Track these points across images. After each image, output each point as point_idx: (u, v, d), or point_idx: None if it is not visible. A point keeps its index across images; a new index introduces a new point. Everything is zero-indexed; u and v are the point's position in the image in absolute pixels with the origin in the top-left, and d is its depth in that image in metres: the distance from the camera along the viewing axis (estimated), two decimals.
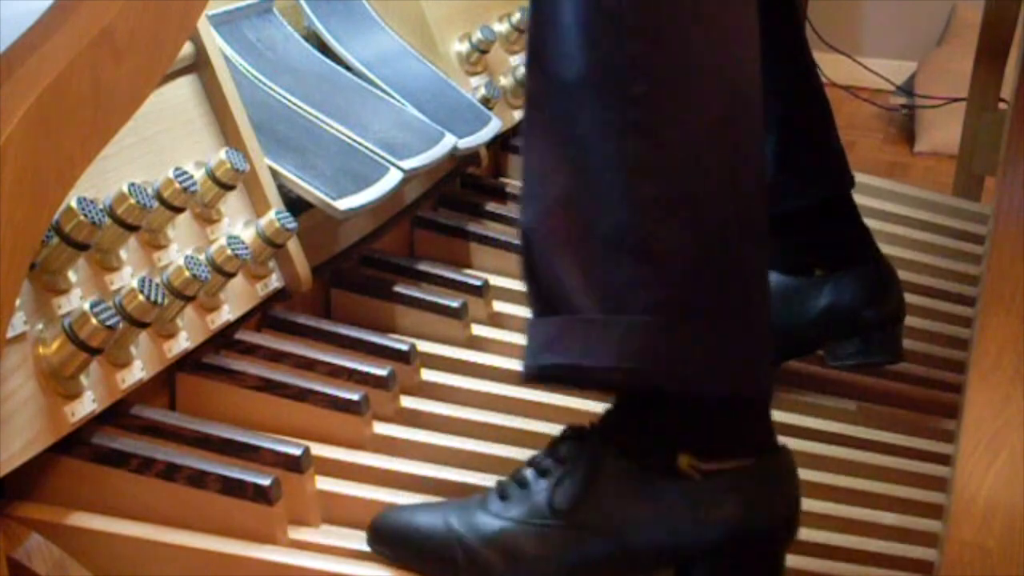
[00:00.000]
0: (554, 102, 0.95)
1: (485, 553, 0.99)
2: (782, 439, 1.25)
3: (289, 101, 1.44)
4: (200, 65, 1.29)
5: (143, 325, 1.08)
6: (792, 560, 1.10)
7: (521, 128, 1.01)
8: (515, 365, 1.37)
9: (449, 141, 1.54)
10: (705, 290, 0.93)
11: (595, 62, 0.92)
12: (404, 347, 1.33)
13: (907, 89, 3.26)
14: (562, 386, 1.02)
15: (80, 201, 1.02)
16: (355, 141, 1.44)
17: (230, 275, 1.21)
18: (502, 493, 1.01)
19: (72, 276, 1.06)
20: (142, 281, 1.07)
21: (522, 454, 1.23)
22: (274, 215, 1.28)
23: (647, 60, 0.91)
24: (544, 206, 0.96)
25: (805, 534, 1.14)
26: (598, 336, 0.93)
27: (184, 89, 1.27)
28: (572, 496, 0.97)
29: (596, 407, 1.29)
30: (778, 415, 1.33)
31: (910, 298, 1.66)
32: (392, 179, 1.42)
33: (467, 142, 1.58)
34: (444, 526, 1.00)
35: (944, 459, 1.30)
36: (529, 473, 1.01)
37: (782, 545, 1.00)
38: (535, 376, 0.98)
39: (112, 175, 1.12)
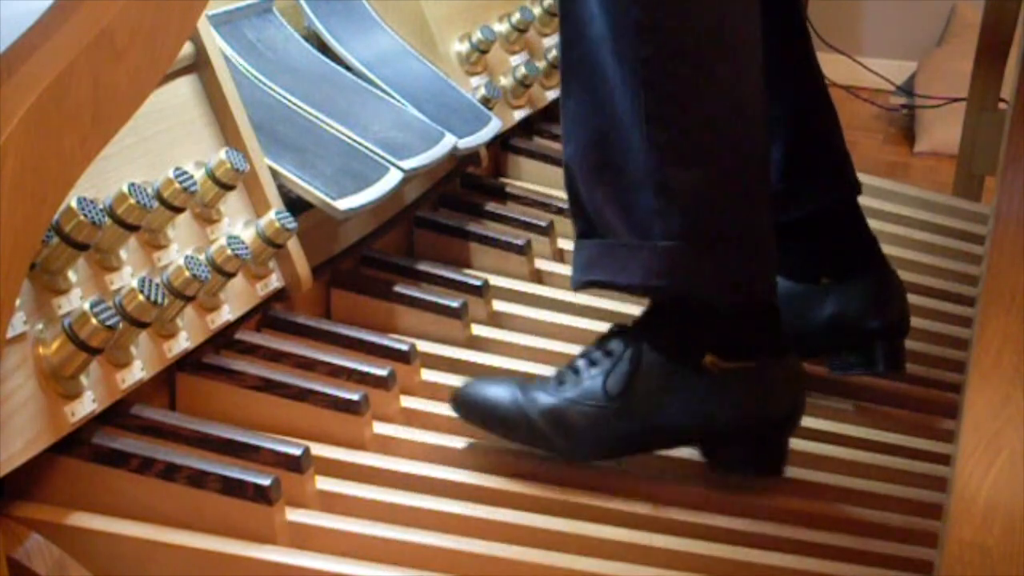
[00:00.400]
0: (585, 51, 1.12)
1: (542, 424, 1.18)
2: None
3: (289, 101, 1.44)
4: (200, 65, 1.29)
5: (143, 325, 1.08)
6: (792, 560, 1.11)
7: (559, 71, 1.17)
8: (515, 365, 1.38)
9: (449, 141, 1.54)
10: (714, 218, 1.11)
11: (610, 25, 1.09)
12: (404, 347, 1.33)
13: (907, 89, 3.26)
14: (604, 291, 1.22)
15: (80, 201, 1.02)
16: (355, 141, 1.44)
17: (230, 275, 1.21)
18: (559, 378, 1.20)
19: (72, 276, 1.06)
20: (142, 281, 1.07)
21: (522, 453, 1.23)
22: (274, 215, 1.28)
23: (649, 25, 1.07)
24: (582, 143, 1.14)
25: (805, 534, 1.14)
26: (630, 257, 1.12)
27: (184, 89, 1.27)
28: (620, 384, 1.16)
29: None
30: None
31: (910, 298, 1.66)
32: (392, 179, 1.42)
33: (467, 142, 1.58)
34: (512, 400, 1.19)
35: (944, 459, 1.30)
36: (581, 363, 1.19)
37: (787, 432, 1.19)
38: (581, 288, 1.18)
39: (112, 175, 1.12)
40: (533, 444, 1.19)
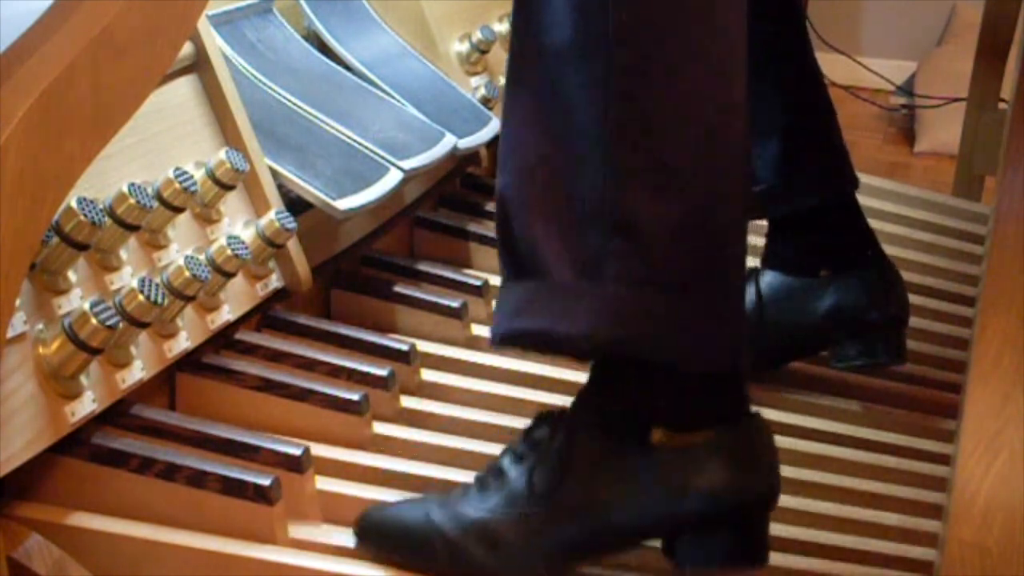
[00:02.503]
0: (538, 68, 0.94)
1: (464, 542, 0.99)
2: (784, 439, 1.26)
3: (289, 101, 1.44)
4: (200, 65, 1.29)
5: (143, 325, 1.08)
6: (792, 560, 1.10)
7: (502, 93, 1.00)
8: (515, 365, 1.38)
9: (449, 141, 1.54)
10: (682, 263, 0.93)
11: (582, 30, 0.92)
12: (404, 347, 1.33)
13: (907, 89, 3.26)
14: (531, 351, 1.00)
15: (80, 201, 1.02)
16: (355, 141, 1.44)
17: (230, 275, 1.21)
18: (481, 484, 1.02)
19: (72, 276, 1.06)
20: (142, 281, 1.07)
21: None
22: (274, 215, 1.28)
23: (634, 31, 0.90)
24: (521, 169, 0.96)
25: (805, 534, 1.14)
26: (572, 303, 0.93)
27: (184, 89, 1.27)
28: (548, 479, 0.97)
29: None
30: (779, 415, 1.34)
31: (911, 298, 1.66)
32: (392, 179, 1.42)
33: (467, 142, 1.58)
34: (424, 518, 1.01)
35: (944, 459, 1.30)
36: (505, 461, 1.01)
37: (763, 512, 0.99)
38: (506, 341, 0.97)
39: (112, 175, 1.12)
40: (458, 569, 1.00)
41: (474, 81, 1.74)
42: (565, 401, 1.29)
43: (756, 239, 1.49)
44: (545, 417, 1.02)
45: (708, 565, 0.97)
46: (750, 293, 1.37)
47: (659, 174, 0.91)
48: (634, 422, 0.96)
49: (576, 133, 0.93)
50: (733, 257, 0.97)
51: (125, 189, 1.08)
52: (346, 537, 1.08)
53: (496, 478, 1.01)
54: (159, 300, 1.07)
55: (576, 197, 0.93)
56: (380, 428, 1.24)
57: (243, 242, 1.22)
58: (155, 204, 1.13)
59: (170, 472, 1.06)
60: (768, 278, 1.38)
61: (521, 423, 1.27)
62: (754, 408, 0.99)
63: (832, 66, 3.37)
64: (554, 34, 0.93)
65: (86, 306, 1.02)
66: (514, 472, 1.00)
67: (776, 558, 1.10)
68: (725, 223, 0.95)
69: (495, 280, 1.53)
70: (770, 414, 1.34)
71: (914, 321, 1.59)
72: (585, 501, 0.96)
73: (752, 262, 1.43)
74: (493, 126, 1.65)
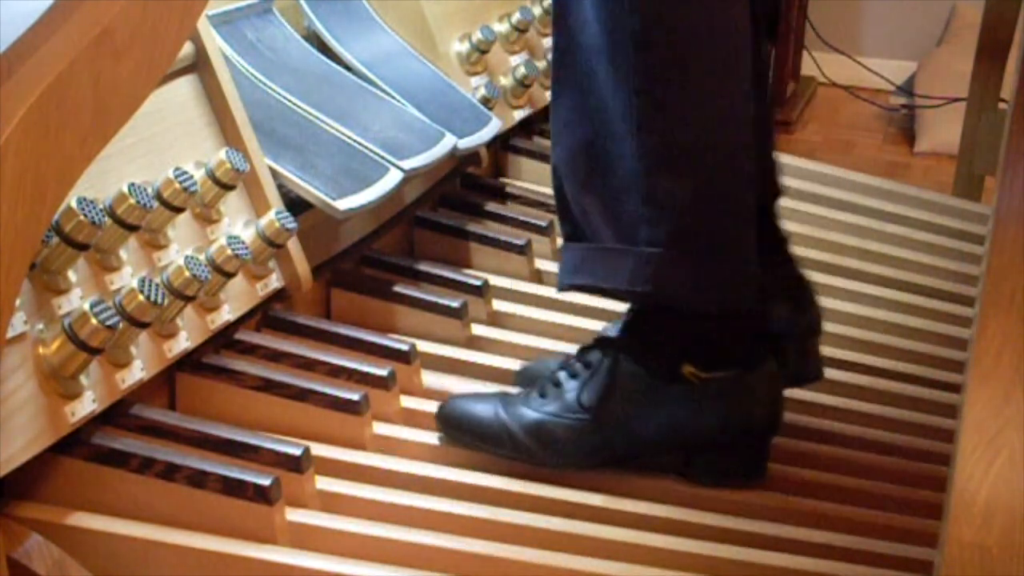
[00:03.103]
0: (578, 60, 1.13)
1: (525, 438, 1.19)
2: (784, 439, 1.26)
3: (289, 101, 1.44)
4: (200, 65, 1.29)
5: (143, 325, 1.08)
6: (792, 560, 1.11)
7: (551, 75, 1.18)
8: (515, 365, 1.38)
9: (449, 141, 1.54)
10: (700, 227, 1.12)
11: (605, 32, 1.09)
12: (404, 347, 1.33)
13: (907, 89, 3.26)
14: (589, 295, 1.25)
15: (80, 201, 1.02)
16: (355, 141, 1.44)
17: (230, 275, 1.21)
18: (541, 391, 1.21)
19: (72, 276, 1.06)
20: (142, 281, 1.07)
21: None
22: (274, 215, 1.28)
23: (646, 35, 1.07)
24: (570, 148, 1.15)
25: (805, 534, 1.14)
26: (615, 262, 1.14)
27: (184, 89, 1.27)
28: (597, 395, 1.18)
29: None
30: None
31: (911, 298, 1.66)
32: (392, 179, 1.42)
33: (467, 142, 1.58)
34: (494, 415, 1.21)
35: (944, 459, 1.30)
36: (562, 375, 1.21)
37: (765, 439, 1.21)
38: (569, 291, 1.20)
39: (112, 175, 1.12)
40: (517, 458, 1.20)
41: (474, 81, 1.75)
42: None
43: None
44: (597, 343, 1.21)
45: (716, 479, 1.19)
46: None
47: (675, 155, 1.10)
48: (667, 357, 1.16)
49: (611, 119, 1.11)
50: (744, 223, 1.14)
51: (125, 189, 1.08)
52: (347, 537, 1.08)
53: (554, 387, 1.20)
54: (159, 300, 1.07)
55: (614, 174, 1.12)
56: (380, 428, 1.24)
57: (243, 242, 1.22)
58: (155, 204, 1.13)
59: (170, 472, 1.06)
60: None
61: None
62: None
63: (832, 66, 3.38)
64: (587, 33, 1.11)
65: (86, 306, 1.02)
66: (569, 385, 1.20)
67: (776, 558, 1.10)
68: (736, 194, 1.13)
69: (495, 280, 1.54)
70: None
71: (914, 321, 1.59)
72: (623, 415, 1.17)
73: None
74: (493, 126, 1.65)
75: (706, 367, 1.16)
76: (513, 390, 1.28)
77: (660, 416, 1.17)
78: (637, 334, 1.19)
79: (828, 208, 1.90)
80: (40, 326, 1.02)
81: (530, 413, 1.20)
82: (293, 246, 1.33)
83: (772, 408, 1.20)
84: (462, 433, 1.22)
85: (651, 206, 1.11)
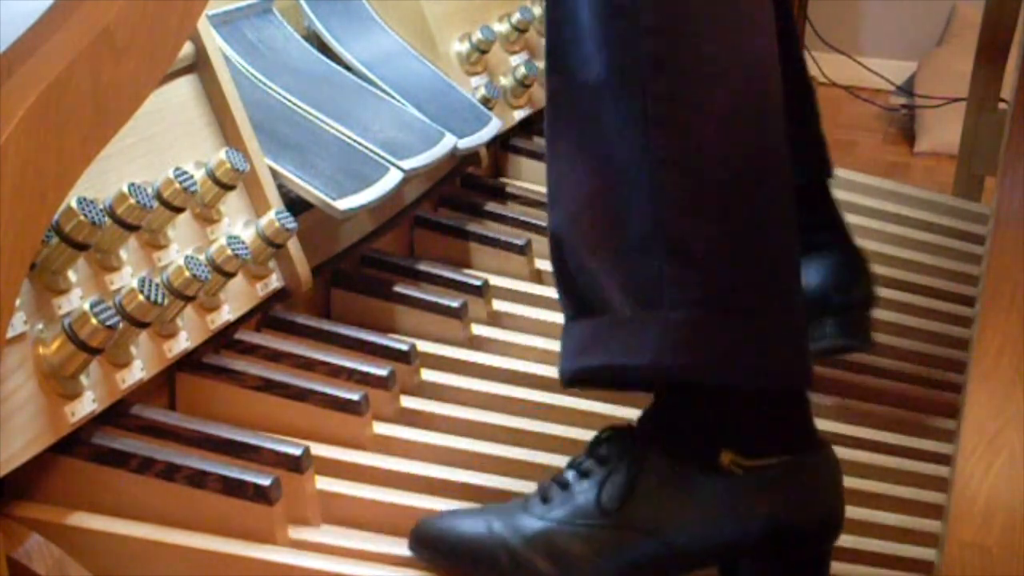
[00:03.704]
0: (577, 103, 0.96)
1: (530, 555, 0.99)
2: None
3: (289, 101, 1.44)
4: (200, 65, 1.29)
5: (143, 325, 1.08)
6: None
7: (544, 131, 1.01)
8: (515, 365, 1.38)
9: (449, 141, 1.54)
10: (740, 283, 0.93)
11: (615, 61, 0.93)
12: (404, 347, 1.33)
13: (907, 89, 3.26)
14: (601, 388, 1.03)
15: (80, 201, 1.02)
16: (355, 141, 1.44)
17: (230, 275, 1.21)
18: (544, 495, 1.02)
19: (72, 276, 1.06)
20: (142, 281, 1.07)
21: (522, 454, 1.23)
22: (274, 215, 1.28)
23: (665, 56, 0.92)
24: (572, 207, 0.97)
25: None
26: (635, 334, 0.94)
27: (184, 89, 1.27)
28: (618, 495, 0.97)
29: (599, 407, 1.29)
30: None
31: (911, 298, 1.66)
32: (392, 179, 1.42)
33: (467, 142, 1.58)
34: (487, 530, 1.01)
35: (944, 459, 1.30)
36: (570, 475, 1.01)
37: (826, 542, 0.99)
38: (575, 380, 0.99)
39: (112, 175, 1.12)
40: None
41: (474, 81, 1.74)
42: (566, 401, 1.30)
43: None
44: (611, 434, 1.01)
45: None
46: None
47: (704, 195, 0.92)
48: (703, 444, 0.96)
49: (621, 165, 0.93)
50: (789, 273, 0.96)
51: (125, 189, 1.08)
52: (347, 537, 1.08)
53: (561, 490, 1.01)
54: (159, 300, 1.07)
55: (628, 228, 0.94)
56: (380, 428, 1.24)
57: (243, 242, 1.22)
58: (155, 204, 1.13)
59: (170, 472, 1.06)
60: None
61: (521, 422, 1.27)
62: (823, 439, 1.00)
63: (832, 66, 3.38)
64: (588, 71, 0.94)
65: (86, 306, 1.02)
66: (580, 486, 1.00)
67: None
68: (777, 239, 0.95)
69: (495, 280, 1.53)
70: None
71: (914, 321, 1.59)
72: (652, 519, 0.97)
73: None
74: (493, 126, 1.65)
75: (750, 454, 0.96)
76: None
77: (695, 516, 0.96)
78: (662, 421, 1.00)
79: None
80: (40, 326, 1.02)
81: (533, 522, 1.00)
82: (293, 246, 1.33)
83: (832, 503, 0.98)
84: (445, 555, 1.03)
85: (677, 261, 0.92)
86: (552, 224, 0.99)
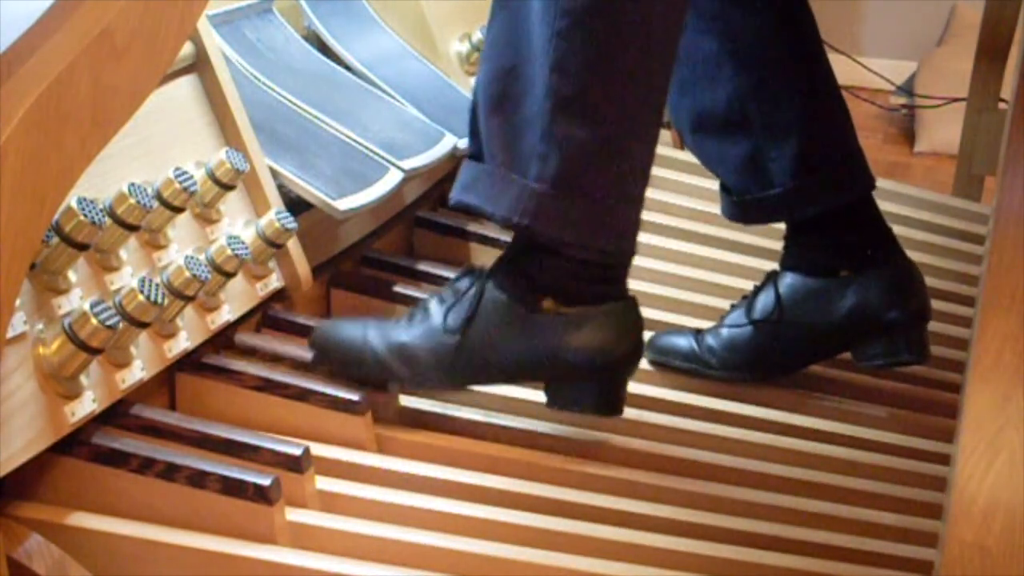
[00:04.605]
0: None
1: (390, 360, 1.23)
2: (784, 439, 1.25)
3: (289, 101, 1.44)
4: (200, 65, 1.29)
5: (143, 325, 1.08)
6: (792, 560, 1.11)
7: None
8: None
9: (449, 141, 1.54)
10: (589, 175, 1.15)
11: None
12: None
13: (907, 89, 3.26)
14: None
15: (80, 201, 1.02)
16: (355, 141, 1.44)
17: (230, 275, 1.21)
18: (410, 315, 1.24)
19: (72, 276, 1.06)
20: (142, 281, 1.07)
21: (522, 454, 1.23)
22: (274, 215, 1.28)
23: None
24: (491, 73, 1.18)
25: (805, 534, 1.14)
26: (501, 189, 1.17)
27: (184, 89, 1.27)
28: (462, 319, 1.21)
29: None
30: (778, 414, 1.34)
31: None
32: (392, 179, 1.42)
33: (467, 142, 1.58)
34: (362, 337, 1.24)
35: (944, 459, 1.30)
36: (432, 301, 1.24)
37: (624, 373, 1.22)
38: (455, 207, 1.22)
39: (112, 175, 1.12)
40: (380, 377, 1.24)
41: (474, 81, 1.74)
42: None
43: (774, 243, 1.49)
44: (469, 271, 1.24)
45: (572, 407, 1.22)
46: (769, 296, 1.38)
47: (582, 105, 1.13)
48: (531, 289, 1.19)
49: (531, 53, 1.14)
50: (635, 177, 1.18)
51: (125, 189, 1.08)
52: (347, 537, 1.08)
53: (423, 312, 1.23)
54: (159, 300, 1.07)
55: (524, 106, 1.15)
56: (380, 428, 1.24)
57: (243, 242, 1.22)
58: (155, 204, 1.13)
59: (170, 472, 1.06)
60: (788, 280, 1.38)
61: (521, 422, 1.27)
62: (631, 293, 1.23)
63: (832, 66, 3.37)
64: None
65: (86, 306, 1.02)
66: (436, 309, 1.22)
67: (776, 558, 1.10)
68: (633, 151, 1.17)
69: None
70: (769, 413, 1.35)
71: None
72: (485, 341, 1.20)
73: (771, 265, 1.43)
74: None
75: (566, 302, 1.18)
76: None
77: (519, 344, 1.19)
78: (507, 264, 1.22)
79: None
80: (40, 326, 1.02)
81: (397, 335, 1.23)
82: (293, 246, 1.33)
83: (630, 342, 1.21)
84: (329, 355, 1.25)
85: (546, 143, 1.13)
86: (476, 79, 1.22)
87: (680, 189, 1.88)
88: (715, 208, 1.49)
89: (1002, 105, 2.25)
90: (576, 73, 1.12)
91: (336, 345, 1.24)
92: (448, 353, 1.20)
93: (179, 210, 1.16)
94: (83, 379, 1.04)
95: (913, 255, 1.78)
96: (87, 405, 1.05)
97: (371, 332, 1.24)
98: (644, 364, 1.32)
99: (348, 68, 1.59)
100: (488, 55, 1.19)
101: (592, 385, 1.21)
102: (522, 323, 1.19)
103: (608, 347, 1.19)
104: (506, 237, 1.60)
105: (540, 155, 1.14)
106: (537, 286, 1.19)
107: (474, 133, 1.22)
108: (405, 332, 1.23)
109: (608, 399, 1.22)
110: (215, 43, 1.32)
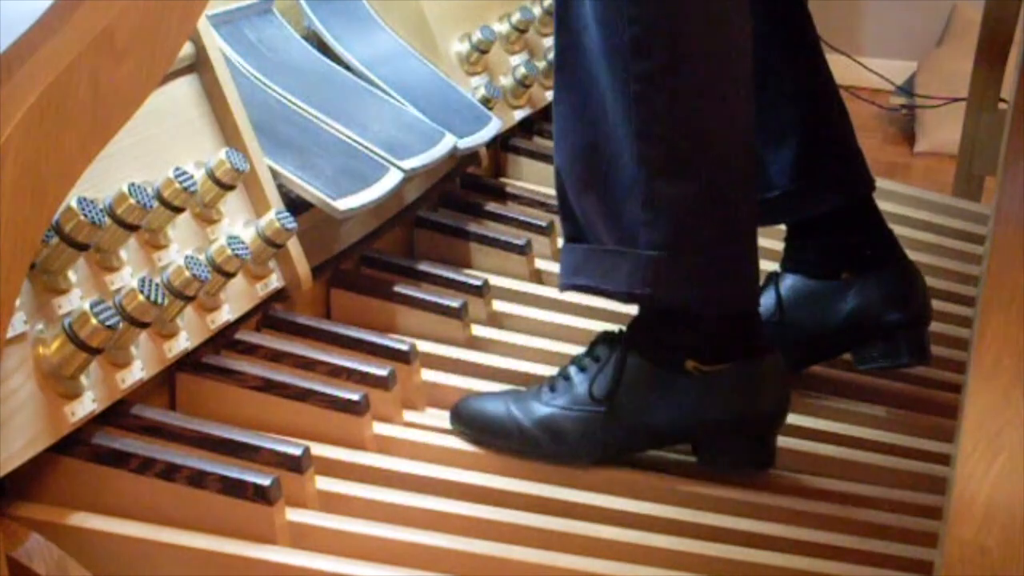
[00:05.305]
0: (580, 63, 1.15)
1: (535, 432, 1.22)
2: (784, 439, 1.26)
3: (289, 101, 1.44)
4: (200, 65, 1.29)
5: (143, 325, 1.08)
6: (792, 560, 1.11)
7: (553, 76, 1.20)
8: (515, 365, 1.38)
9: (449, 141, 1.54)
10: (698, 230, 1.14)
11: (605, 38, 1.12)
12: (404, 347, 1.33)
13: (907, 89, 3.26)
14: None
15: (80, 201, 1.02)
16: (355, 141, 1.44)
17: (230, 275, 1.21)
18: (551, 385, 1.24)
19: (72, 276, 1.06)
20: (142, 281, 1.07)
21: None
22: (274, 215, 1.28)
23: (645, 43, 1.10)
24: (572, 153, 1.18)
25: (805, 534, 1.14)
26: (615, 265, 1.17)
27: (184, 89, 1.27)
28: (606, 387, 1.20)
29: None
30: None
31: None
32: (392, 179, 1.42)
33: (467, 142, 1.58)
34: (506, 411, 1.23)
35: (944, 459, 1.30)
36: (572, 369, 1.24)
37: (773, 428, 1.23)
38: (569, 291, 1.23)
39: (112, 175, 1.12)
40: (527, 452, 1.22)
41: (474, 81, 1.74)
42: None
43: (774, 243, 1.49)
44: (605, 337, 1.24)
45: (724, 467, 1.22)
46: (770, 297, 1.38)
47: (674, 160, 1.13)
48: (671, 352, 1.19)
49: (611, 127, 1.14)
50: (742, 223, 1.17)
51: (125, 189, 1.08)
52: (346, 537, 1.08)
53: (564, 381, 1.23)
54: (159, 300, 1.07)
55: (615, 177, 1.15)
56: (380, 428, 1.24)
57: (243, 242, 1.22)
58: (155, 204, 1.13)
59: (170, 472, 1.06)
60: (788, 282, 1.39)
61: None
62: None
63: (832, 66, 3.37)
64: (588, 36, 1.13)
65: (86, 306, 1.02)
66: (579, 378, 1.22)
67: (776, 558, 1.10)
68: (734, 196, 1.16)
69: (495, 280, 1.54)
70: None
71: None
72: (632, 406, 1.19)
73: (771, 266, 1.43)
74: (493, 126, 1.65)
75: (708, 361, 1.18)
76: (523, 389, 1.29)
77: (665, 406, 1.19)
78: (642, 331, 1.21)
79: None
80: (40, 326, 1.02)
81: (540, 407, 1.22)
82: (293, 246, 1.33)
83: (777, 397, 1.21)
84: (473, 429, 1.24)
85: (650, 210, 1.13)
86: (557, 162, 1.21)
87: None
88: None
89: (1002, 105, 2.24)
90: (662, 135, 1.12)
91: (480, 418, 1.24)
92: (596, 422, 1.20)
93: (179, 210, 1.16)
94: (83, 379, 1.04)
95: (913, 255, 1.78)
96: (87, 405, 1.05)
97: (513, 406, 1.24)
98: None
99: (348, 68, 1.59)
100: (562, 137, 1.19)
101: (742, 442, 1.21)
102: (667, 387, 1.19)
103: (753, 403, 1.19)
104: (509, 238, 1.60)
105: (645, 223, 1.13)
106: (676, 349, 1.19)
107: (566, 216, 1.21)
108: (548, 403, 1.22)
109: (759, 454, 1.22)
110: (215, 43, 1.32)
